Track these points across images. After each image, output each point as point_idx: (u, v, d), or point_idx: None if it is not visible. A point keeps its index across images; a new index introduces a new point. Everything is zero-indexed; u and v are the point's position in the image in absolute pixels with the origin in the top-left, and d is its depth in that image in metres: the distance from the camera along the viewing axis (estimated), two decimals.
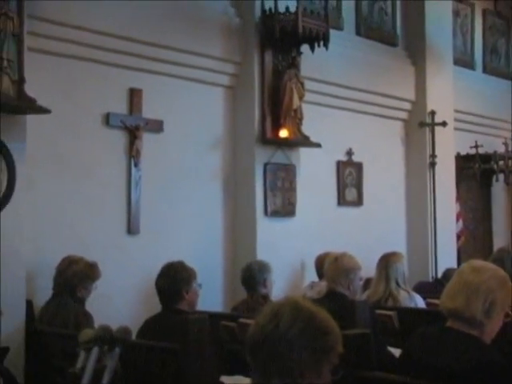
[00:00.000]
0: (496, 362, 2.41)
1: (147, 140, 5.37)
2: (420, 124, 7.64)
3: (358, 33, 7.33)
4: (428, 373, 2.50)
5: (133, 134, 5.29)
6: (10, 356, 3.79)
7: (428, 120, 7.61)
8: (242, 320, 4.60)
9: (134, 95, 5.33)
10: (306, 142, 6.09)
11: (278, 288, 5.53)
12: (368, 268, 5.19)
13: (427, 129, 7.62)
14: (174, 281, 4.14)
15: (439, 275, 7.17)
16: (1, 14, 4.03)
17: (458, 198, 8.06)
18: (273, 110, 5.93)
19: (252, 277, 5.27)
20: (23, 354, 4.27)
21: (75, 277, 4.50)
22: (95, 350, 1.94)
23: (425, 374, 2.51)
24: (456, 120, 7.94)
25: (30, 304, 4.46)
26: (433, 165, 7.58)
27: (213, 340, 3.78)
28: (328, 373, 1.88)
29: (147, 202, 5.37)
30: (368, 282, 5.46)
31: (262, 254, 5.78)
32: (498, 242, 8.79)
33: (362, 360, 2.79)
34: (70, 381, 1.99)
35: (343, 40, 6.81)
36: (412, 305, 5.06)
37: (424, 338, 2.65)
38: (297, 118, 5.94)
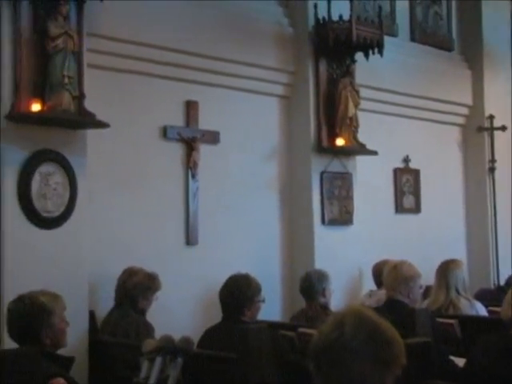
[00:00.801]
0: None
1: (204, 151, 5.43)
2: (478, 129, 7.52)
3: (412, 39, 7.27)
4: (491, 382, 2.46)
5: (190, 145, 5.35)
6: (74, 365, 3.86)
7: (486, 124, 7.49)
8: (301, 330, 4.60)
9: (191, 107, 5.40)
10: (362, 149, 6.06)
11: (336, 297, 5.51)
12: (427, 276, 5.12)
13: (485, 133, 7.50)
14: (237, 297, 4.19)
15: (501, 282, 7.03)
16: (62, 33, 4.15)
17: None
18: (328, 119, 5.93)
19: (311, 286, 5.26)
20: (87, 364, 4.36)
21: (136, 288, 4.57)
22: (158, 360, 1.97)
23: (488, 383, 2.47)
24: None
25: (92, 315, 4.55)
26: (492, 170, 7.46)
27: (272, 350, 3.79)
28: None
29: (205, 212, 5.43)
30: (428, 290, 5.39)
31: (319, 263, 5.77)
32: None
33: (423, 369, 2.76)
34: None
35: (398, 46, 6.77)
36: (473, 313, 4.98)
37: (487, 346, 2.60)
38: (352, 126, 5.92)
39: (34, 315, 3.19)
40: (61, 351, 3.36)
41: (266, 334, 3.36)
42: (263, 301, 4.42)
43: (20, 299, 3.27)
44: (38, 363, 2.92)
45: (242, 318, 4.15)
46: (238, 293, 4.21)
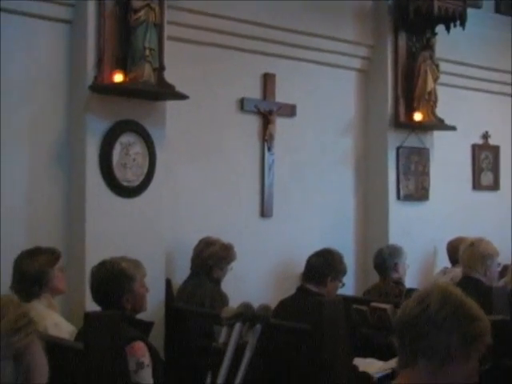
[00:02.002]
0: None
1: (280, 124, 5.44)
2: None
3: (497, 10, 7.04)
4: None
5: (266, 118, 5.37)
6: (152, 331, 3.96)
7: None
8: (373, 304, 4.60)
9: (268, 80, 5.41)
10: (440, 125, 5.95)
11: (409, 273, 5.47)
12: (504, 255, 5.03)
13: None
14: (327, 263, 4.29)
15: None
16: (144, 5, 4.21)
17: None
18: (406, 93, 5.84)
19: (382, 261, 5.25)
20: (163, 330, 4.47)
21: (211, 258, 4.64)
22: (238, 326, 2.01)
23: None
24: None
25: (168, 283, 4.65)
26: None
27: (345, 323, 3.81)
28: (476, 361, 1.86)
29: (280, 185, 5.45)
30: (505, 269, 5.29)
31: (393, 239, 5.73)
32: None
33: (501, 348, 2.73)
34: (214, 354, 2.07)
35: (481, 19, 6.56)
36: None
37: None
38: (431, 101, 5.82)
39: (115, 280, 3.29)
40: (139, 316, 3.47)
41: (340, 306, 3.38)
42: (343, 284, 4.48)
43: (102, 265, 3.37)
44: (119, 327, 3.02)
45: (319, 289, 4.21)
46: (330, 260, 4.37)
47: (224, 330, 2.09)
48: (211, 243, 4.69)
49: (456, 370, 1.84)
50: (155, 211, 4.49)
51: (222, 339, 2.07)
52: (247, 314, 2.00)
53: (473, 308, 1.88)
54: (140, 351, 3.14)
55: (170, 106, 4.57)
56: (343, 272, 4.47)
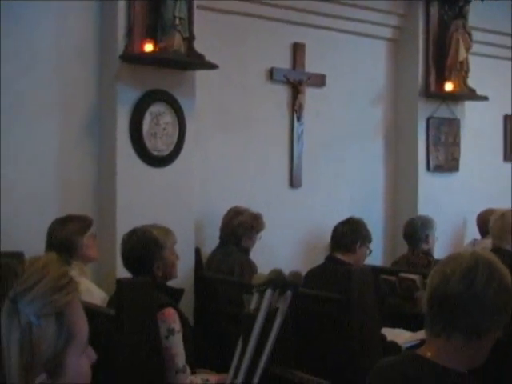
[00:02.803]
0: None
1: (310, 94, 5.42)
2: None
3: None
4: None
5: (295, 88, 5.35)
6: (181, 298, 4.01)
7: None
8: (402, 274, 4.61)
9: (298, 50, 5.38)
10: (471, 95, 5.88)
11: (438, 244, 5.45)
12: None
13: None
14: (354, 231, 4.34)
15: None
16: None
17: None
18: (437, 63, 5.76)
19: (414, 232, 5.23)
20: (192, 298, 4.53)
21: (240, 227, 4.67)
22: (268, 293, 2.03)
23: None
24: None
25: (198, 251, 4.69)
26: None
27: (374, 292, 3.82)
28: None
29: (309, 155, 5.45)
30: None
31: (423, 210, 5.71)
32: None
33: None
34: (245, 320, 2.10)
35: None
36: None
37: None
38: (463, 71, 5.74)
39: (146, 248, 3.34)
40: (170, 284, 3.52)
41: (369, 276, 3.39)
42: (370, 251, 4.50)
43: (133, 232, 3.42)
44: (150, 293, 3.07)
45: (347, 257, 4.23)
46: (357, 227, 4.45)
47: (255, 297, 2.11)
48: (240, 212, 4.72)
49: (487, 343, 1.84)
50: (185, 181, 4.52)
51: (252, 305, 2.09)
52: (278, 281, 2.01)
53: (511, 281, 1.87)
54: (171, 317, 3.20)
55: (200, 75, 4.58)
56: (370, 238, 4.53)
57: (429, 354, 1.87)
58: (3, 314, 1.06)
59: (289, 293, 1.99)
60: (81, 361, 1.15)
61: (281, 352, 2.10)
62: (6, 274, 1.10)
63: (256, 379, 2.08)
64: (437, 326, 1.85)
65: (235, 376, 2.13)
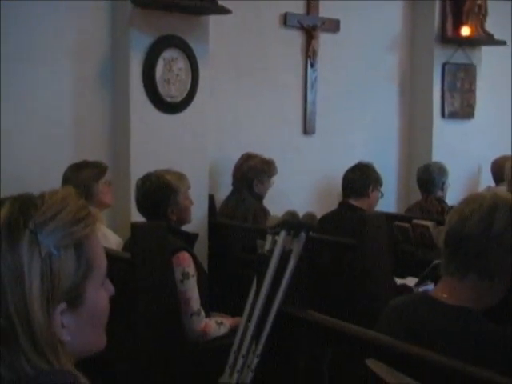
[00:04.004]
0: None
1: (324, 40, 5.35)
2: None
3: None
4: None
5: (309, 34, 5.28)
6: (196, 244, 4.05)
7: None
8: (415, 221, 4.62)
9: None
10: (489, 40, 5.78)
11: (452, 191, 5.44)
12: None
13: None
14: (365, 175, 4.38)
15: None
16: None
17: None
18: (455, 7, 5.66)
19: (430, 179, 5.20)
20: (206, 244, 4.56)
21: (251, 170, 4.66)
22: (283, 234, 2.04)
23: None
24: None
25: (211, 198, 4.71)
26: None
27: (387, 238, 3.84)
28: None
29: (323, 102, 5.41)
30: None
31: (437, 157, 5.68)
32: None
33: None
34: (259, 262, 2.12)
35: None
36: None
37: None
38: (480, 15, 5.64)
39: (160, 192, 3.35)
40: (184, 228, 3.54)
41: (383, 221, 3.40)
42: (382, 195, 4.51)
43: (147, 177, 3.43)
44: (165, 237, 3.09)
45: (360, 203, 4.25)
46: (367, 171, 4.48)
47: (269, 239, 2.13)
48: (251, 157, 4.72)
49: (501, 285, 1.84)
50: (198, 127, 4.50)
51: (266, 247, 2.11)
52: (292, 222, 2.02)
53: None
54: (186, 261, 3.23)
55: (214, 21, 4.52)
56: (381, 181, 4.56)
57: (440, 294, 1.89)
58: (23, 245, 1.07)
59: (303, 234, 2.00)
60: (99, 293, 1.17)
61: (295, 293, 2.12)
62: (27, 206, 1.10)
63: (270, 319, 2.11)
64: (451, 265, 1.85)
65: (250, 316, 2.15)
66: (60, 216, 1.10)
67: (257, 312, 2.15)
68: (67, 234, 1.10)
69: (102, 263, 1.17)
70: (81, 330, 1.13)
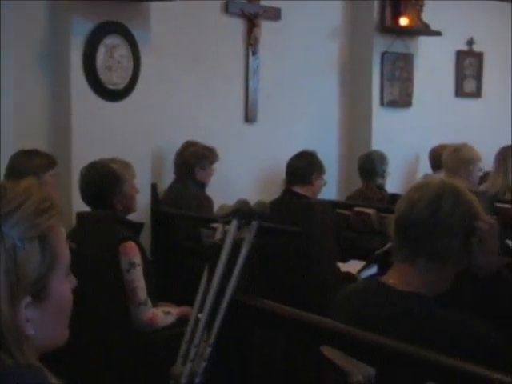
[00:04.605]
0: None
1: (265, 28, 5.35)
2: None
3: None
4: None
5: (251, 21, 5.27)
6: None
7: None
8: (357, 208, 4.68)
9: None
10: (425, 30, 5.90)
11: (391, 179, 5.54)
12: (485, 162, 5.08)
13: None
14: (309, 163, 4.41)
15: None
16: None
17: None
18: None
19: (372, 167, 5.28)
20: (149, 233, 4.52)
21: (192, 157, 4.64)
22: (234, 223, 2.04)
23: None
24: None
25: (154, 187, 4.67)
26: None
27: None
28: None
29: (265, 90, 5.42)
30: (485, 176, 5.37)
31: (376, 145, 5.77)
32: None
33: None
34: (211, 251, 2.11)
35: None
36: None
37: None
38: (418, 5, 5.74)
39: (105, 182, 3.31)
40: (129, 217, 3.50)
41: (328, 208, 3.43)
42: (325, 183, 4.55)
43: (92, 166, 3.38)
44: (112, 226, 3.06)
45: (304, 190, 4.28)
46: (311, 159, 4.52)
47: (219, 228, 2.12)
48: (192, 144, 4.72)
49: (451, 270, 1.88)
50: (141, 115, 4.45)
51: (217, 236, 2.10)
52: (244, 211, 2.02)
53: (478, 207, 1.90)
54: (132, 251, 3.20)
55: (157, 7, 4.46)
56: (324, 169, 4.63)
57: (392, 280, 1.92)
58: None
59: (254, 223, 2.00)
60: (64, 285, 1.15)
61: (247, 282, 2.13)
62: None
63: (223, 308, 2.11)
64: (402, 251, 1.89)
65: (201, 306, 2.15)
66: (24, 207, 1.08)
67: (209, 301, 2.14)
68: (31, 225, 1.07)
69: (65, 255, 1.15)
70: (45, 323, 1.11)
